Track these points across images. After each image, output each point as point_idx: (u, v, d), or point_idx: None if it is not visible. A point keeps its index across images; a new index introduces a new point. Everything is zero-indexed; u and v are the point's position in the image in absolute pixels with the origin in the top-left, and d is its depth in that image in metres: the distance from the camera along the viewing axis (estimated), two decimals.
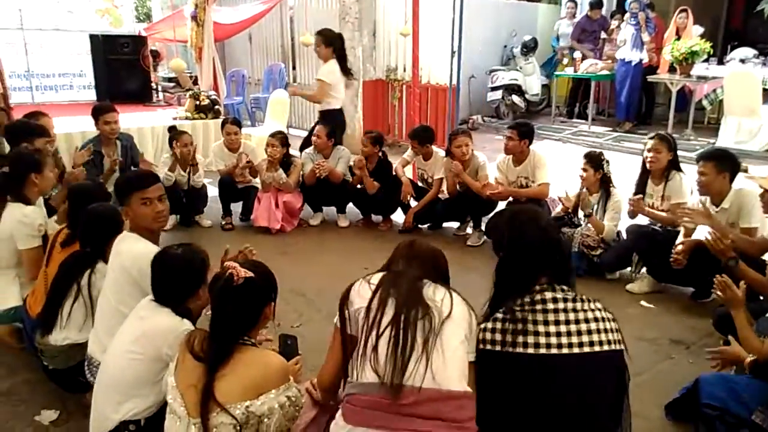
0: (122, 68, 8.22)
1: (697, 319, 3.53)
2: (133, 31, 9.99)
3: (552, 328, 1.70)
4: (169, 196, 2.87)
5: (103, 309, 2.47)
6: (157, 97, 8.85)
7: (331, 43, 5.51)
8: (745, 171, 3.59)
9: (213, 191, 5.40)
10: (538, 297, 1.74)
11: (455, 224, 5.20)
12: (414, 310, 1.70)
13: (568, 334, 1.70)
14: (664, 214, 3.85)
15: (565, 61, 9.69)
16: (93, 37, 8.54)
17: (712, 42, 8.21)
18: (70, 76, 9.68)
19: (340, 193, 5.27)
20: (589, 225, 4.08)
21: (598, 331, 1.73)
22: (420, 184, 5.28)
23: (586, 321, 1.73)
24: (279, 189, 5.07)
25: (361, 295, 1.82)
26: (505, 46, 10.37)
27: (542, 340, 1.68)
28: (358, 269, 4.33)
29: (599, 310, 1.78)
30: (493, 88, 9.74)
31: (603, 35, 9.32)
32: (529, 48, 9.79)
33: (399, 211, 5.23)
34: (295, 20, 9.55)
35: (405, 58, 7.97)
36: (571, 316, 1.72)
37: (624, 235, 4.06)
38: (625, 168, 4.47)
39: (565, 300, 1.74)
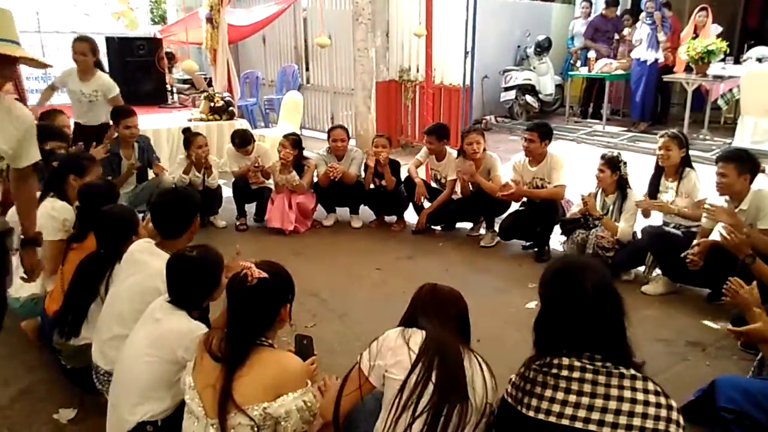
0: (138, 70, 8.27)
1: (713, 320, 3.50)
2: (149, 34, 10.06)
3: (559, 395, 1.56)
4: None
5: (111, 319, 2.41)
6: (172, 98, 8.90)
7: (96, 53, 4.99)
8: (763, 172, 3.54)
9: (227, 192, 5.44)
10: (555, 361, 1.60)
11: (468, 225, 5.19)
12: (453, 403, 1.68)
13: (576, 405, 1.53)
14: (685, 209, 3.81)
15: (579, 63, 9.61)
16: (109, 40, 8.61)
17: (729, 41, 8.11)
18: None
19: (354, 194, 5.29)
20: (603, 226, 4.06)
21: (620, 413, 1.51)
22: (433, 184, 5.27)
23: (606, 397, 1.52)
24: (292, 190, 5.10)
25: (397, 356, 1.77)
26: (519, 46, 10.32)
27: (544, 404, 1.57)
28: (371, 270, 4.36)
29: (642, 391, 1.54)
30: (507, 89, 9.69)
31: (617, 36, 9.25)
32: (542, 48, 9.73)
33: (412, 211, 5.24)
34: (309, 22, 9.57)
35: (418, 58, 7.94)
36: (587, 387, 1.54)
37: (639, 236, 4.03)
38: (640, 168, 4.43)
39: (584, 369, 1.56)
